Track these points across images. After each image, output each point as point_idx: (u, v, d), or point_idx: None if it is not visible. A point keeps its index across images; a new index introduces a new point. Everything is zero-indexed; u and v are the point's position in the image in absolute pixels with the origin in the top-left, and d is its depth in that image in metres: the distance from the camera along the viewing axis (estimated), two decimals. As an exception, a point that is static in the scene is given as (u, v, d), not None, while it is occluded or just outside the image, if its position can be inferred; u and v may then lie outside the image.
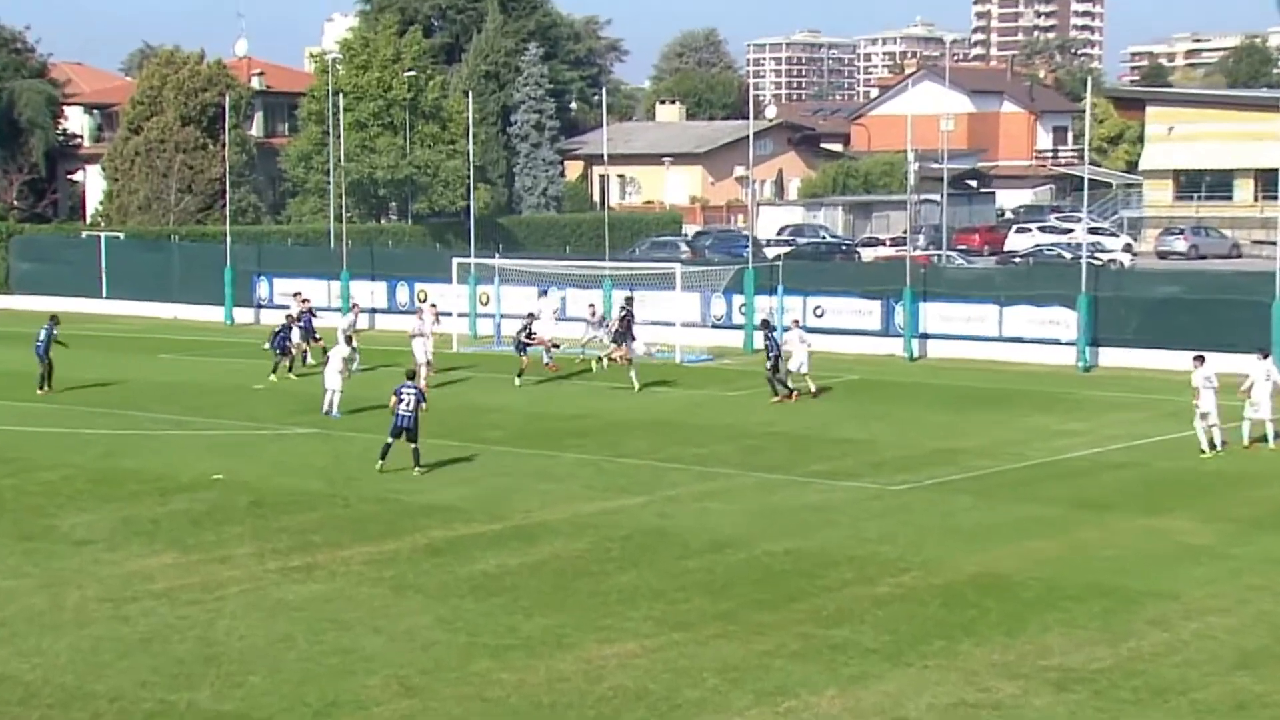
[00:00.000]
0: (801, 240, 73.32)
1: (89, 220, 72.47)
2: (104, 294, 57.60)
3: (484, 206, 70.65)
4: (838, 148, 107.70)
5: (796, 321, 38.01)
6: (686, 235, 79.86)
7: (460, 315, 46.82)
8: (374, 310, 51.87)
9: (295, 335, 39.27)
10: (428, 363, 36.22)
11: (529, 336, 36.61)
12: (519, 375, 35.36)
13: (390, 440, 25.46)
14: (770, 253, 63.06)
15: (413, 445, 25.40)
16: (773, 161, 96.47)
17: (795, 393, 33.66)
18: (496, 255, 49.47)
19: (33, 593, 18.29)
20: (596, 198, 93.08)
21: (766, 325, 35.49)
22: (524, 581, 19.02)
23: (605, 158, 53.87)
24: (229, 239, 54.15)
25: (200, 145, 66.94)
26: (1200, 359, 27.44)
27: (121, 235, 60.10)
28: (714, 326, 45.54)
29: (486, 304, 49.12)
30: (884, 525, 22.04)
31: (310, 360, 38.56)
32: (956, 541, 21.03)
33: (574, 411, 32.89)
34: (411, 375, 26.82)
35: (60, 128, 77.04)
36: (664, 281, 44.85)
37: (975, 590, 18.61)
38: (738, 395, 35.58)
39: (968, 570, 19.52)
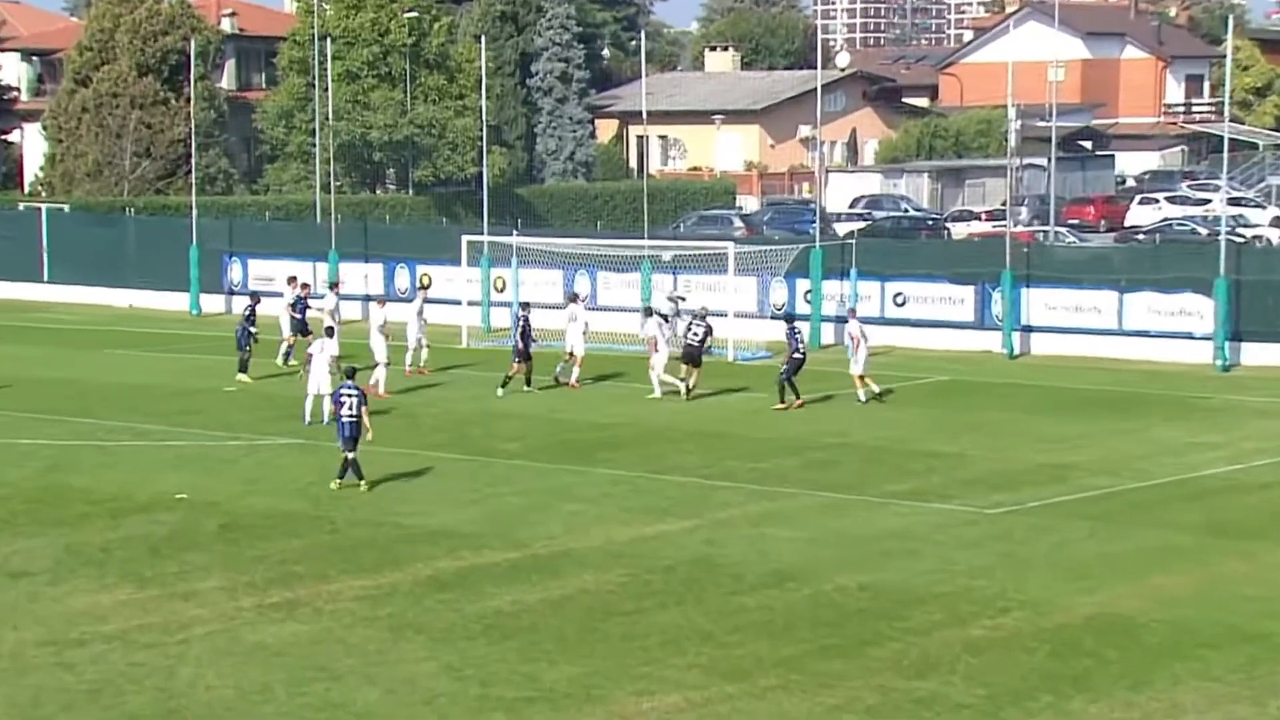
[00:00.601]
0: (879, 214, 73.15)
1: (27, 189, 73.00)
2: (45, 277, 58.04)
3: (499, 174, 70.83)
4: (923, 103, 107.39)
5: (853, 311, 37.75)
6: (741, 208, 79.77)
7: (471, 304, 46.96)
8: (367, 297, 52.04)
9: (286, 326, 39.59)
10: (422, 345, 38.10)
11: (524, 334, 35.68)
12: (502, 385, 35.02)
13: (346, 454, 25.68)
14: (841, 229, 62.97)
15: (350, 455, 25.67)
16: (845, 120, 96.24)
17: (800, 400, 33.76)
18: (514, 232, 49.58)
19: (-39, 633, 18.42)
20: (633, 163, 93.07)
21: (790, 320, 35.41)
22: (545, 621, 19.01)
23: (644, 115, 53.80)
24: (195, 212, 54.47)
25: (160, 100, 67.29)
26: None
27: (66, 207, 60.53)
28: (774, 317, 45.41)
29: (502, 290, 49.23)
30: (979, 556, 21.94)
31: (294, 359, 38.73)
32: (1067, 576, 20.91)
33: (605, 419, 32.90)
34: (351, 374, 26.72)
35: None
36: (714, 264, 44.82)
37: (1091, 635, 18.49)
38: (803, 400, 35.50)
39: (1081, 611, 19.39)
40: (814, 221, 51.65)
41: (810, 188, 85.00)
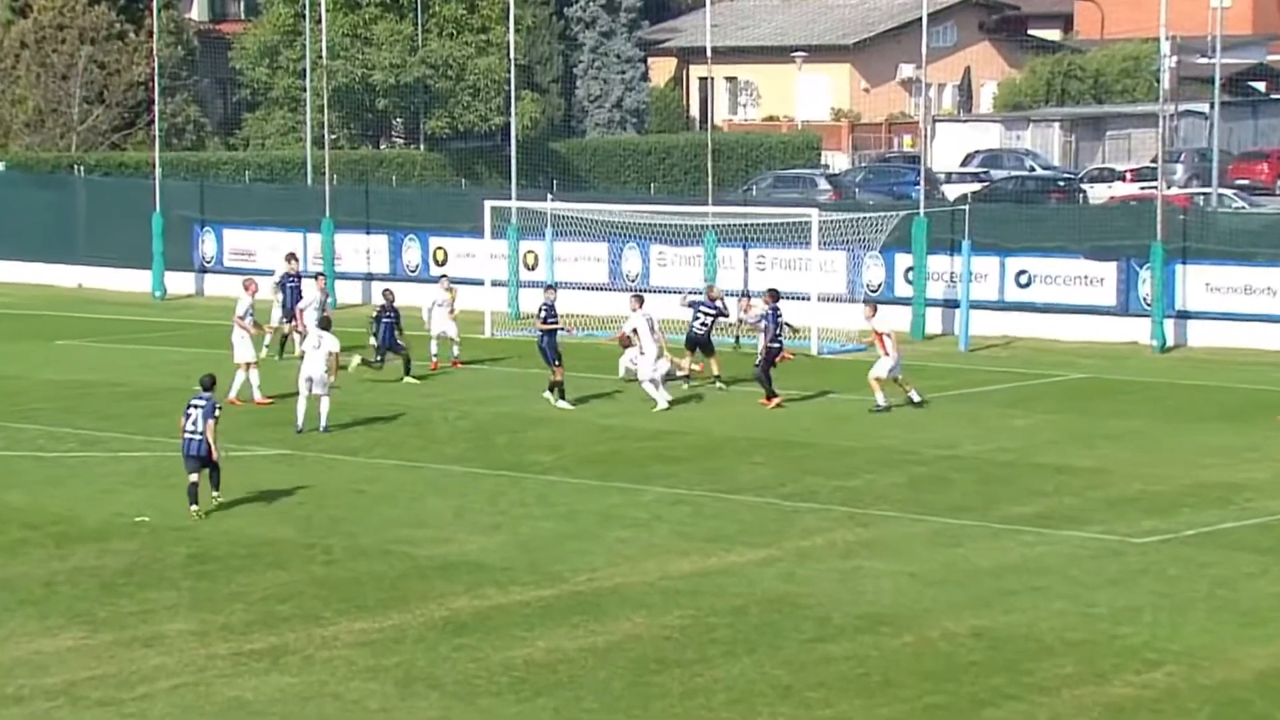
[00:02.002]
0: (998, 174, 72.85)
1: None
2: (-25, 252, 58.50)
3: (530, 125, 70.92)
4: (1054, 35, 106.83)
5: (874, 306, 36.27)
6: (827, 167, 79.58)
7: (495, 284, 47.05)
8: (369, 276, 52.29)
9: (276, 312, 39.83)
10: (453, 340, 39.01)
11: (546, 321, 34.92)
12: (551, 390, 34.70)
13: (193, 478, 25.47)
14: (952, 192, 62.71)
15: (205, 470, 25.59)
16: (957, 56, 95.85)
17: (779, 398, 34.19)
18: (548, 196, 49.65)
19: (-125, 685, 18.56)
20: (695, 112, 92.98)
21: (774, 295, 35.73)
22: (587, 674, 19.02)
23: (708, 53, 53.61)
24: (159, 172, 54.79)
25: (116, 34, 67.61)
26: None
27: (1, 165, 60.96)
28: (868, 301, 45.32)
29: (534, 268, 49.30)
30: (1123, 596, 21.81)
31: (268, 348, 38.88)
32: (1234, 621, 20.75)
33: (660, 425, 32.89)
34: (209, 385, 25.91)
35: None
36: (794, 235, 44.75)
37: (1264, 696, 18.35)
38: (905, 402, 35.40)
39: (1251, 664, 19.24)
40: (917, 183, 51.47)
41: (913, 141, 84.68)
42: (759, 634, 20.33)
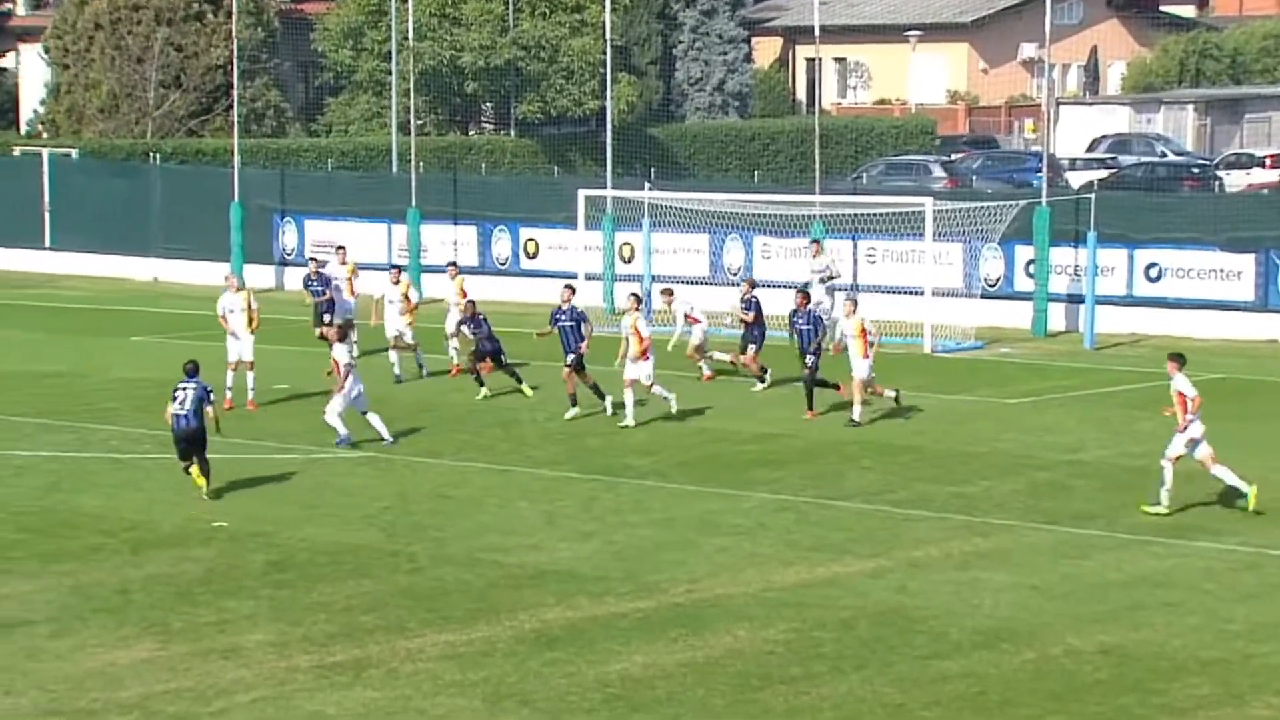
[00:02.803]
0: (1127, 160, 72.38)
1: (24, 129, 74.34)
2: (47, 243, 59.14)
3: (627, 109, 71.06)
4: (1188, 12, 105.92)
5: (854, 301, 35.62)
6: (995, 143, 79.26)
7: (589, 278, 47.13)
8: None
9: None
10: (403, 341, 37.71)
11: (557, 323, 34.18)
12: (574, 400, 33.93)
13: (183, 464, 27.12)
14: (1077, 179, 62.39)
15: (197, 458, 27.17)
16: (1082, 35, 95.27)
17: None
18: (646, 185, 49.70)
19: (-58, 697, 18.81)
20: (801, 95, 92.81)
21: (752, 285, 35.79)
22: (686, 691, 19.02)
23: (816, 32, 53.50)
24: (237, 159, 55.24)
25: (194, 14, 68.16)
26: None
27: (74, 153, 61.61)
28: (986, 296, 45.21)
29: (630, 260, 49.37)
30: (1262, 611, 21.65)
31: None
32: (1380, 639, 20.53)
33: (763, 428, 32.88)
34: (193, 371, 27.56)
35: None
36: (907, 226, 44.61)
37: None
38: (1025, 403, 35.20)
39: (1399, 686, 19.03)
40: (1040, 170, 51.15)
41: (1035, 126, 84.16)
42: (868, 649, 20.28)
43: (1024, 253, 44.82)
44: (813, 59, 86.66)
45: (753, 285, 37.89)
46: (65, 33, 69.25)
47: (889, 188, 59.52)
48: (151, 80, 66.96)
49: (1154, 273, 43.88)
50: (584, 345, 33.53)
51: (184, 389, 27.29)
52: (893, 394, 33.43)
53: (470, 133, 75.05)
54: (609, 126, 51.98)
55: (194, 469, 27.28)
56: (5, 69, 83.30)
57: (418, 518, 26.29)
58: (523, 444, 31.61)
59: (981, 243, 44.90)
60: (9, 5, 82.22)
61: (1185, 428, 26.18)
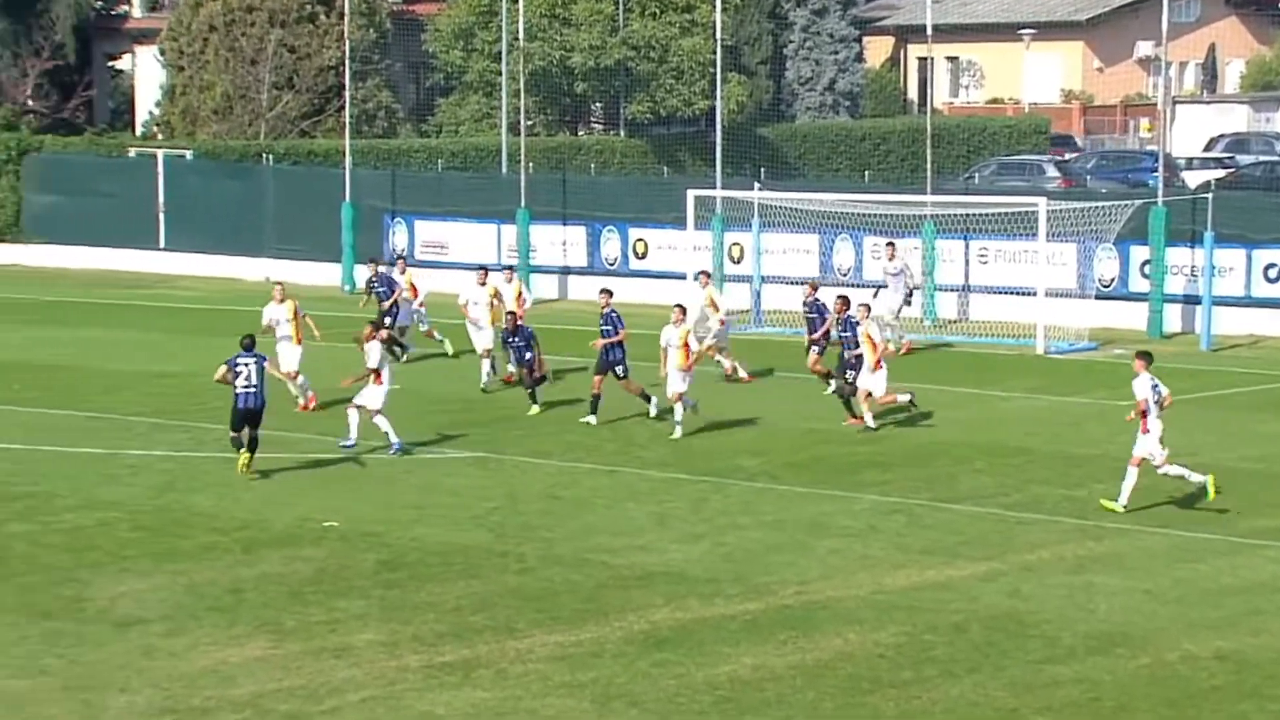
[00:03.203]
0: (1245, 159, 71.58)
1: (140, 130, 75.10)
2: (161, 243, 59.72)
3: (737, 109, 71.00)
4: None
5: (845, 300, 34.45)
6: (1086, 148, 78.72)
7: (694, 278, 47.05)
8: (565, 270, 52.66)
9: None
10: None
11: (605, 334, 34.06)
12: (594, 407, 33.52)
13: (235, 434, 28.56)
14: (1193, 179, 61.80)
15: (251, 434, 28.47)
16: (1200, 33, 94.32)
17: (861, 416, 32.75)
18: (756, 185, 49.65)
19: (53, 699, 18.98)
20: (913, 94, 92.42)
21: (845, 301, 34.15)
22: (795, 694, 19.00)
23: (929, 30, 53.40)
24: (349, 160, 55.61)
25: (307, 16, 68.54)
26: None
27: (189, 154, 62.18)
28: (1100, 297, 44.89)
29: (740, 261, 49.31)
30: (1380, 618, 21.42)
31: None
32: None
33: (874, 430, 32.76)
34: (250, 346, 28.81)
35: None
36: (1020, 226, 44.35)
37: None
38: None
39: None
40: (1155, 169, 50.72)
41: (1151, 125, 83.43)
42: (980, 653, 20.19)
43: (1139, 253, 44.48)
44: (925, 58, 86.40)
45: (815, 289, 37.27)
46: (180, 35, 69.82)
47: (1001, 188, 59.12)
48: (265, 82, 67.44)
49: (1273, 273, 43.42)
50: (600, 343, 33.48)
51: (245, 364, 28.52)
52: (906, 398, 32.93)
53: (580, 133, 75.17)
54: (719, 126, 51.96)
55: (242, 455, 28.37)
56: (121, 71, 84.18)
57: (527, 518, 26.38)
58: (631, 445, 31.64)
59: (1096, 243, 44.58)
60: (125, 7, 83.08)
61: (1147, 428, 26.35)
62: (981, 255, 46.69)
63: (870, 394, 32.19)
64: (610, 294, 34.73)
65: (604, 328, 33.63)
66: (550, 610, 21.83)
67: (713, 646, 20.45)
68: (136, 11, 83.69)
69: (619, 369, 33.35)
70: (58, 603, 22.15)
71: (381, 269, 41.07)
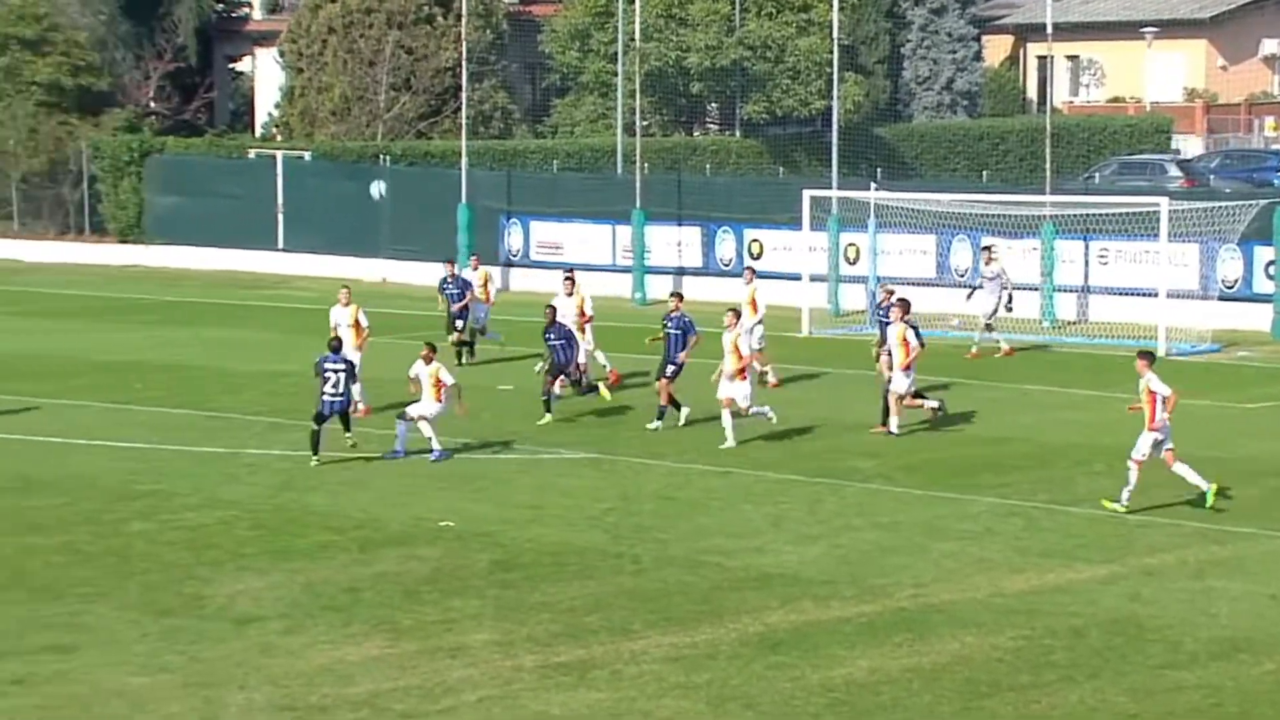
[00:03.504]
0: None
1: (259, 132, 75.78)
2: (279, 244, 60.22)
3: (853, 109, 70.79)
4: None
5: (889, 300, 34.28)
6: (1179, 152, 77.93)
7: (814, 279, 47.04)
8: (680, 271, 52.67)
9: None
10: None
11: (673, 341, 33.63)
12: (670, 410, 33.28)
13: (318, 428, 29.67)
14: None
15: (347, 433, 30.07)
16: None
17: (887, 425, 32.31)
18: (872, 185, 49.50)
19: (174, 695, 19.16)
20: (1032, 93, 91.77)
21: (903, 298, 33.58)
22: (912, 697, 18.94)
23: (1049, 29, 52.86)
24: (465, 161, 55.86)
25: (425, 18, 68.89)
26: None
27: (307, 155, 62.66)
28: (1223, 298, 44.45)
29: (855, 261, 49.17)
30: None
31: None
32: None
33: (991, 431, 32.64)
34: (339, 348, 30.10)
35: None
36: (1141, 226, 44.02)
37: None
38: (1263, 408, 34.59)
39: None
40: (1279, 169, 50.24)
41: (1276, 124, 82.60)
42: (1100, 658, 20.05)
43: (1264, 254, 44.01)
44: (1044, 57, 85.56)
45: (892, 294, 35.85)
46: (300, 37, 70.33)
47: (1122, 187, 58.65)
48: (382, 83, 67.84)
49: None
50: (684, 355, 32.94)
51: (333, 371, 29.62)
52: (935, 404, 32.50)
53: (695, 133, 75.18)
54: (835, 126, 51.82)
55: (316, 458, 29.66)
56: (242, 73, 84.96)
57: (641, 519, 26.41)
58: (746, 446, 31.61)
59: (1219, 243, 44.16)
60: (246, 10, 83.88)
61: (1155, 426, 26.17)
62: (1102, 256, 46.35)
63: (900, 397, 31.96)
64: (681, 298, 34.64)
65: (671, 332, 33.22)
66: (665, 611, 21.85)
67: (828, 649, 20.41)
68: (257, 14, 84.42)
69: (670, 369, 32.89)
70: (178, 600, 22.40)
71: (460, 273, 40.94)
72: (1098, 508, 26.88)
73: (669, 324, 33.49)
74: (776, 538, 25.33)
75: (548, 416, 33.23)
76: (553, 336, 33.70)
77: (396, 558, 24.33)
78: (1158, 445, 26.37)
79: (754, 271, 39.51)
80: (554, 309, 34.61)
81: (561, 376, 34.13)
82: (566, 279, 37.68)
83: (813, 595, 22.45)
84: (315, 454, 29.75)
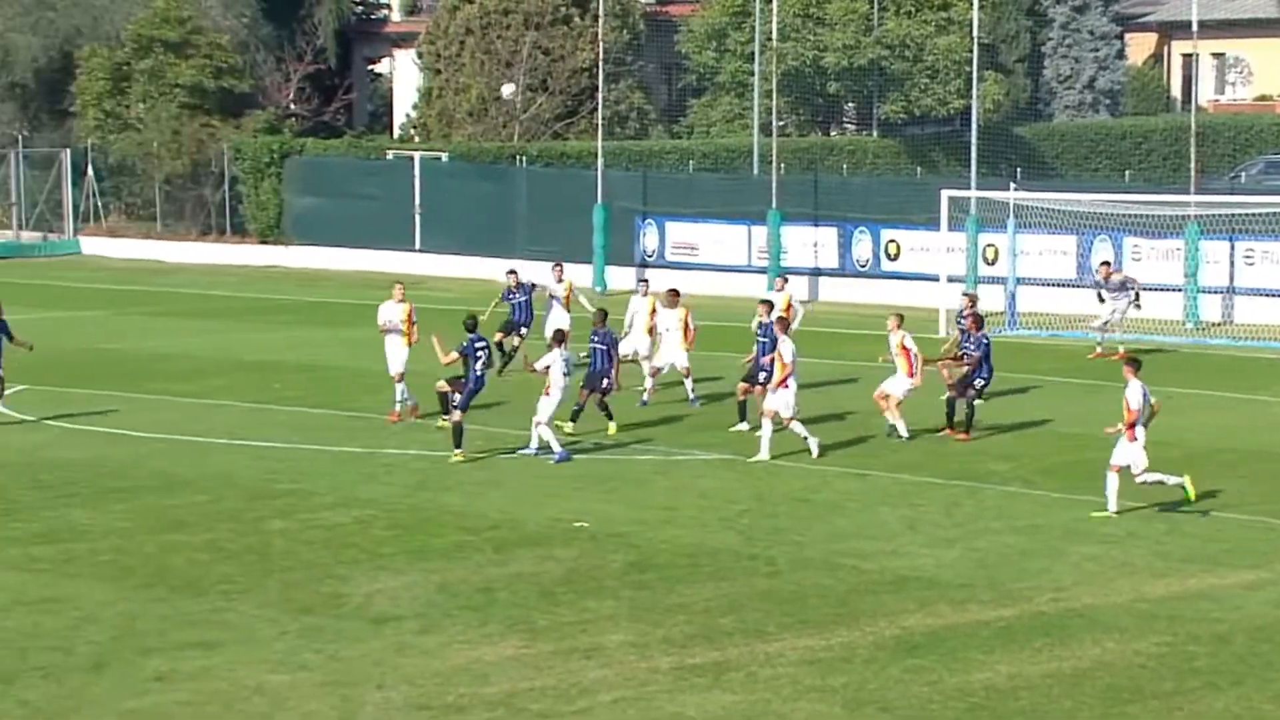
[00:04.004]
0: None
1: (397, 133, 76.40)
2: (417, 245, 60.65)
3: (993, 108, 70.32)
4: None
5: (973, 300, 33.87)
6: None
7: (952, 280, 46.78)
8: (817, 271, 52.57)
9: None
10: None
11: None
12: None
13: (461, 416, 29.99)
14: None
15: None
16: None
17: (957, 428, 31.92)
18: (1012, 185, 49.17)
19: (313, 694, 19.35)
20: (1176, 92, 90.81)
21: (975, 309, 32.83)
22: (1052, 703, 18.82)
23: (1194, 26, 52.29)
24: (601, 162, 56.01)
25: (562, 18, 69.16)
26: None
27: (444, 156, 63.07)
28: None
29: (994, 262, 48.88)
30: None
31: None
32: None
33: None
34: (474, 327, 30.64)
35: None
36: (1284, 226, 43.53)
37: None
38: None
39: None
40: None
41: None
42: (1245, 665, 19.84)
43: None
44: (1189, 54, 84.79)
45: (974, 301, 34.50)
46: (438, 38, 70.76)
47: (1270, 187, 57.97)
48: (519, 85, 68.16)
49: None
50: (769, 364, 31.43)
51: (483, 349, 30.47)
52: (898, 425, 31.64)
53: (832, 133, 75.02)
54: (974, 126, 51.53)
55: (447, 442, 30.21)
56: (380, 74, 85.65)
57: (776, 521, 26.41)
58: (882, 448, 31.51)
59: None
60: (385, 12, 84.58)
61: (1134, 437, 26.01)
62: (1248, 256, 45.85)
63: (889, 396, 31.69)
64: (771, 305, 33.34)
65: (761, 340, 32.44)
66: (800, 614, 21.83)
67: (965, 653, 20.32)
68: (396, 15, 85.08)
69: (762, 376, 31.88)
70: (316, 599, 22.62)
71: (524, 282, 40.41)
72: (1244, 511, 26.58)
73: (760, 333, 32.50)
74: (913, 540, 25.24)
75: (570, 426, 32.10)
76: (597, 339, 32.66)
77: (532, 558, 24.45)
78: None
79: (785, 279, 38.46)
80: (604, 312, 33.37)
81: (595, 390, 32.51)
82: (670, 291, 36.43)
83: (949, 599, 22.36)
84: (458, 447, 30.01)
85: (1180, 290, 45.65)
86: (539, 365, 30.55)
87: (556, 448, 30.16)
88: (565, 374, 30.25)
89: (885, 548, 24.86)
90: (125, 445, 31.96)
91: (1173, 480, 26.25)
